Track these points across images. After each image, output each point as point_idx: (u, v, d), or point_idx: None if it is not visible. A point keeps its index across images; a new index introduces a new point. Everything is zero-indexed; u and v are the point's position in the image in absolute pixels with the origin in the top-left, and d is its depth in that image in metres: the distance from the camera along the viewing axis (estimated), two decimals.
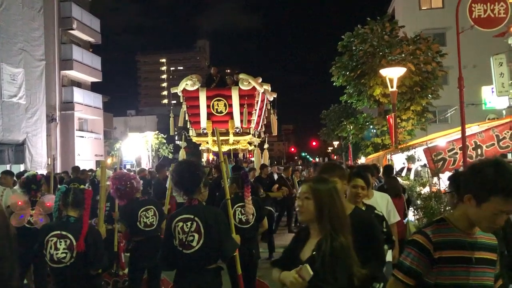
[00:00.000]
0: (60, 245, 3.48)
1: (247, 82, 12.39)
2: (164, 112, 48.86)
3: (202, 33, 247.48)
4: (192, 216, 3.26)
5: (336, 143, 41.28)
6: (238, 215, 5.01)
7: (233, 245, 3.48)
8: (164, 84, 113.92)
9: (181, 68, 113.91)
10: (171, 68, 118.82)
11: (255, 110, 12.80)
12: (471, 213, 1.93)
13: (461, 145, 8.58)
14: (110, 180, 5.30)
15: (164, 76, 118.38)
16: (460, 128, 9.67)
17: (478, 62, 24.63)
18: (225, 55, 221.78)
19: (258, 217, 5.13)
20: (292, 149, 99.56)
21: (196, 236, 3.22)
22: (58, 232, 3.52)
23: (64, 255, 3.47)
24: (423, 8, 32.43)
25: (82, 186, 3.79)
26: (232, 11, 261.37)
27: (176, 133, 14.62)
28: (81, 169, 15.82)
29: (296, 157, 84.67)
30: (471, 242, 1.98)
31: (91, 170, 13.42)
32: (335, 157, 54.40)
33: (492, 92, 17.98)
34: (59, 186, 3.90)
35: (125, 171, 9.33)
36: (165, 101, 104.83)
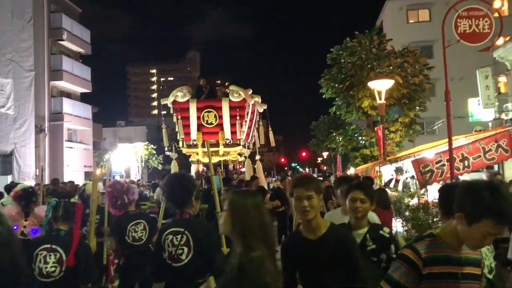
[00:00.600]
0: (50, 258, 3.46)
1: (237, 94, 12.42)
2: (154, 123, 48.69)
3: (193, 44, 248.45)
4: (182, 229, 3.26)
5: (325, 154, 41.48)
6: None
7: (223, 259, 3.49)
8: (154, 95, 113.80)
9: (172, 78, 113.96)
10: (161, 79, 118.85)
11: (246, 121, 12.83)
12: (461, 231, 1.98)
13: (448, 157, 8.72)
14: (106, 189, 5.30)
15: (154, 87, 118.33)
16: (447, 139, 9.84)
17: (465, 74, 25.07)
18: (215, 65, 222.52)
19: None
20: (282, 160, 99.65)
21: (186, 249, 3.23)
22: (48, 245, 3.50)
23: (53, 269, 3.45)
24: (410, 21, 32.98)
25: (73, 200, 3.79)
26: (223, 22, 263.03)
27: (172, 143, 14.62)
28: (69, 180, 15.73)
29: (286, 168, 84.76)
30: (459, 258, 2.03)
31: (71, 182, 13.31)
32: (324, 168, 54.69)
33: (479, 104, 18.26)
34: (49, 199, 3.89)
35: (121, 180, 9.21)
36: (155, 111, 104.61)
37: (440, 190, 3.68)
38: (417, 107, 15.32)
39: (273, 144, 14.53)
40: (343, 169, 25.85)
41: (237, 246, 2.18)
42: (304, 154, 75.93)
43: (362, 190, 3.25)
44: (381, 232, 3.18)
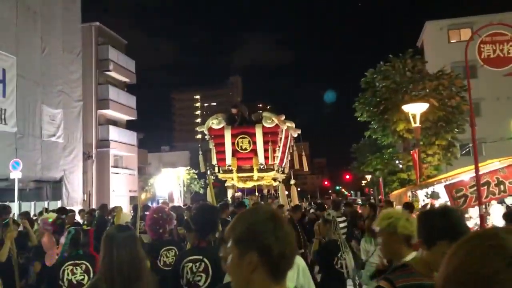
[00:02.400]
0: (77, 270, 3.78)
1: (270, 120, 12.68)
2: (197, 148, 49.57)
3: (235, 69, 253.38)
4: (201, 257, 3.43)
5: (369, 177, 40.58)
6: None
7: None
8: (198, 120, 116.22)
9: (215, 104, 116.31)
10: (205, 104, 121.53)
11: (279, 146, 13.02)
12: (425, 256, 2.09)
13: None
14: (152, 214, 5.61)
15: (198, 112, 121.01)
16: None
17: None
18: (257, 90, 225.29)
19: None
20: (326, 183, 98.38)
21: (204, 276, 3.39)
22: (72, 261, 3.83)
23: (82, 277, 3.76)
24: (452, 41, 32.39)
25: (85, 227, 4.13)
26: (264, 47, 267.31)
27: (208, 168, 14.96)
28: (115, 206, 16.20)
29: (330, 191, 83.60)
30: (432, 285, 2.11)
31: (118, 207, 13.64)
32: (369, 191, 53.54)
33: None
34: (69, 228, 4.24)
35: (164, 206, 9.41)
36: (199, 136, 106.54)
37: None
38: (456, 130, 14.96)
39: (306, 168, 14.60)
40: (385, 193, 25.30)
41: None
42: (347, 177, 74.83)
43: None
44: None
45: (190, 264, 3.41)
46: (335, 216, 5.15)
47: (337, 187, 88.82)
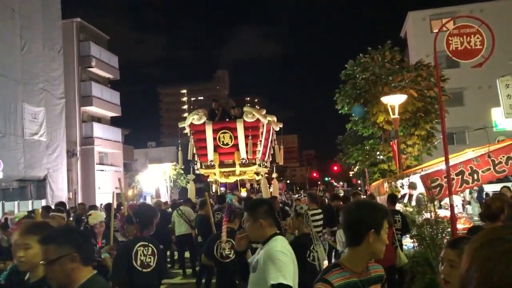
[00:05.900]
0: None
1: (251, 115, 12.75)
2: (184, 143, 49.41)
3: (223, 63, 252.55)
4: (147, 243, 4.11)
5: (356, 168, 40.88)
6: (220, 249, 5.16)
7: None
8: (185, 115, 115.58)
9: (202, 98, 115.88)
10: (192, 99, 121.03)
11: (260, 141, 13.10)
12: (353, 253, 2.18)
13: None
14: (128, 208, 5.58)
15: (185, 107, 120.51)
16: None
17: (493, 82, 24.57)
18: (245, 83, 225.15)
19: (237, 251, 5.25)
20: (314, 174, 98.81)
21: (152, 258, 4.08)
22: None
23: None
24: (434, 31, 32.63)
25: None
26: (252, 41, 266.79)
27: (190, 165, 15.01)
28: (101, 203, 15.99)
29: (319, 182, 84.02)
30: (363, 280, 2.17)
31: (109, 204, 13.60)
32: (356, 181, 54.09)
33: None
34: None
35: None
36: (187, 130, 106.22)
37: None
38: (434, 120, 15.10)
39: (281, 162, 14.71)
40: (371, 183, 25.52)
41: None
42: (335, 168, 75.25)
43: None
44: None
45: (142, 248, 4.04)
46: (307, 209, 5.20)
47: (326, 178, 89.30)
